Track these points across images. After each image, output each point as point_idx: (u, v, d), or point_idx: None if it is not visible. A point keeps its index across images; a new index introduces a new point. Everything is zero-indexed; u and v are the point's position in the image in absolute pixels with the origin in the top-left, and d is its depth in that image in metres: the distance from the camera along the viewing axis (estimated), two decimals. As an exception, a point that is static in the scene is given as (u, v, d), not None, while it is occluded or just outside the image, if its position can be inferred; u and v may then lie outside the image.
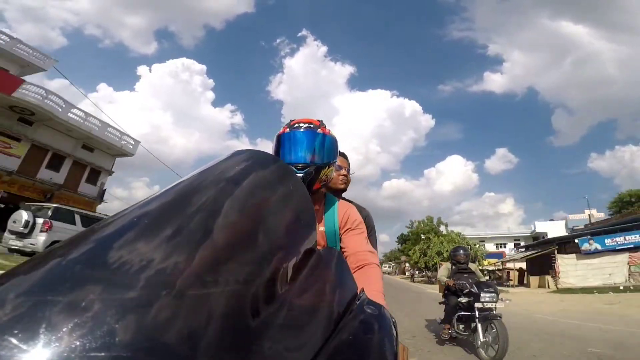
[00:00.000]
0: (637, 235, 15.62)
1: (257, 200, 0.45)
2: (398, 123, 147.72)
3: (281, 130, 1.10)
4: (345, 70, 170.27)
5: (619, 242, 15.76)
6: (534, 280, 18.85)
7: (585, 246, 16.17)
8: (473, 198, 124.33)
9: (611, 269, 15.47)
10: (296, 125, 1.09)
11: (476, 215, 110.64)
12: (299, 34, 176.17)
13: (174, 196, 0.41)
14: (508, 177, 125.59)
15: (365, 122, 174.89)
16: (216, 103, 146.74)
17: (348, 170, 1.58)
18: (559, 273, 16.36)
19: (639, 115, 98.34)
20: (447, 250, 26.52)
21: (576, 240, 16.87)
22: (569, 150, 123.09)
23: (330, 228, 1.10)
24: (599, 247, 15.96)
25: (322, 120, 1.14)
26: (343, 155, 1.58)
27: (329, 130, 1.13)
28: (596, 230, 18.05)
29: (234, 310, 0.33)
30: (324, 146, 1.07)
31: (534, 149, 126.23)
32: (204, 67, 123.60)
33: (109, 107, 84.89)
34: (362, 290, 0.57)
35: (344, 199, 1.43)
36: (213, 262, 0.35)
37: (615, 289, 13.76)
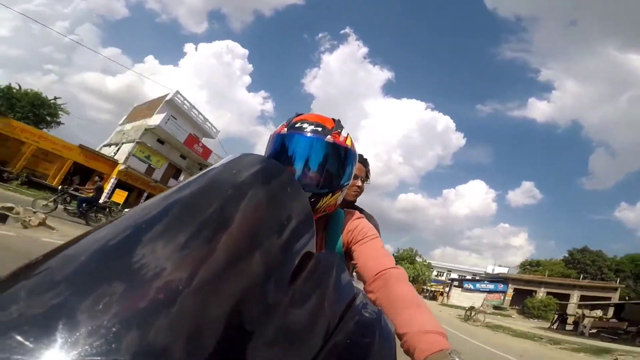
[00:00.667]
0: (491, 285, 30.97)
1: (257, 206, 0.46)
2: (427, 137, 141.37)
3: (279, 127, 0.80)
4: (383, 74, 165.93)
5: (481, 287, 31.13)
6: (441, 298, 34.46)
7: (465, 286, 31.60)
8: (487, 226, 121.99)
9: (474, 300, 30.74)
10: (299, 124, 0.76)
11: (486, 244, 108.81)
12: (342, 32, 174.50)
13: (177, 200, 0.43)
14: (527, 212, 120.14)
15: (393, 131, 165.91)
16: (251, 88, 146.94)
17: (366, 178, 1.38)
18: (450, 297, 31.90)
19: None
20: (410, 275, 41.29)
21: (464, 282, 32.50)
22: (599, 195, 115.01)
23: (332, 247, 0.85)
24: (472, 287, 31.33)
25: (338, 120, 0.81)
26: (363, 162, 1.36)
27: (346, 137, 0.79)
28: (471, 279, 33.76)
29: (234, 313, 0.34)
30: (333, 164, 0.76)
31: (562, 188, 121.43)
32: (246, 52, 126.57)
33: (152, 79, 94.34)
34: (359, 292, 0.54)
35: (349, 205, 1.27)
36: (212, 267, 0.35)
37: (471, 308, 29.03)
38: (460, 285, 32.51)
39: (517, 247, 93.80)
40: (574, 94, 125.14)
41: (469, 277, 43.92)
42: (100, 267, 0.32)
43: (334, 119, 0.81)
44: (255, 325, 0.35)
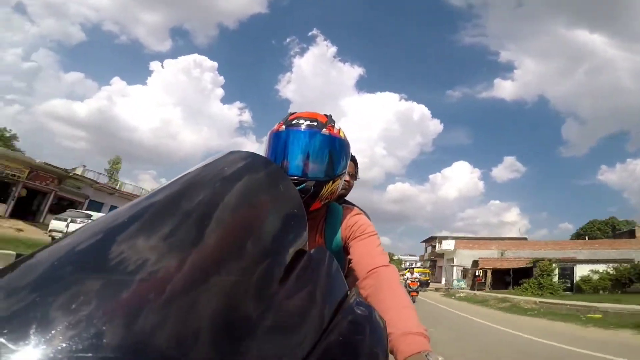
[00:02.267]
0: (422, 266, 62.79)
1: (247, 202, 0.45)
2: (406, 127, 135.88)
3: (275, 126, 0.88)
4: (354, 71, 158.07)
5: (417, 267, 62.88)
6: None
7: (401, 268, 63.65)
8: (478, 205, 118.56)
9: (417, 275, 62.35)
10: (295, 121, 0.85)
11: (479, 223, 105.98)
12: (310, 34, 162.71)
13: (165, 197, 0.42)
14: (514, 186, 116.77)
15: (373, 125, 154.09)
16: (225, 100, 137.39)
17: (355, 175, 1.47)
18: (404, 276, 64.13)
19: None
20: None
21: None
22: (578, 161, 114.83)
23: (330, 242, 0.91)
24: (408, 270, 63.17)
25: (330, 115, 0.91)
26: (353, 160, 1.43)
27: (339, 130, 0.90)
28: (414, 266, 65.82)
29: (224, 312, 0.33)
30: (331, 154, 0.85)
31: (543, 159, 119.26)
32: (215, 64, 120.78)
33: (122, 100, 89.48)
34: (351, 290, 0.53)
35: (345, 201, 1.31)
36: (203, 264, 0.35)
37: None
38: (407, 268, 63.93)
39: (511, 223, 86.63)
40: (534, 71, 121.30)
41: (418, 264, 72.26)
42: (85, 265, 0.31)
43: (326, 115, 0.90)
44: (245, 325, 0.34)
